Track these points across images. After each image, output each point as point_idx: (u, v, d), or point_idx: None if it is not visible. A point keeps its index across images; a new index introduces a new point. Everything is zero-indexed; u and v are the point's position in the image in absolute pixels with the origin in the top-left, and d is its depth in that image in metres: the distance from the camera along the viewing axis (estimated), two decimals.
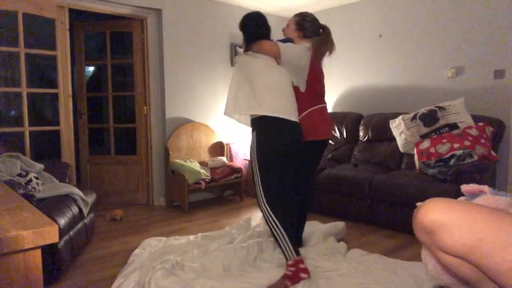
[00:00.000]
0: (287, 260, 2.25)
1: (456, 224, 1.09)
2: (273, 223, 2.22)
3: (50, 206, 2.54)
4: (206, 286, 2.25)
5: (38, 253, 0.95)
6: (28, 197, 2.49)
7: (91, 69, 5.79)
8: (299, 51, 2.48)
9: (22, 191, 2.47)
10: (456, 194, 2.88)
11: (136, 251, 2.86)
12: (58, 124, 3.82)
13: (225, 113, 2.52)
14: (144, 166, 4.46)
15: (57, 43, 3.72)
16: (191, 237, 3.15)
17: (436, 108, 3.67)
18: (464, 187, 1.36)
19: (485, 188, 1.32)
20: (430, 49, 4.14)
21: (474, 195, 1.32)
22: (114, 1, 3.90)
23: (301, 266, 2.22)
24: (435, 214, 1.12)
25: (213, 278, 2.35)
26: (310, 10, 5.21)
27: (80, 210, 2.86)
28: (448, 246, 1.10)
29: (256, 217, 3.92)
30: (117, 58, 4.81)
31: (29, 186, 2.71)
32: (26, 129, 3.62)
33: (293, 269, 2.20)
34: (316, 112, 2.52)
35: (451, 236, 1.09)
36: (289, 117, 2.33)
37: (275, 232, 2.23)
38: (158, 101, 4.39)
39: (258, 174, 2.31)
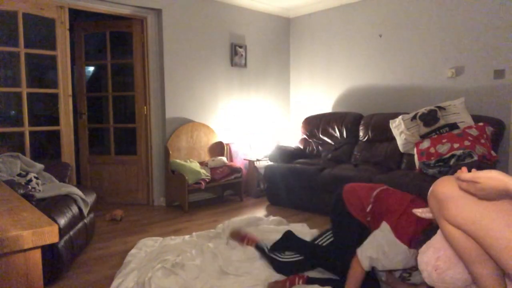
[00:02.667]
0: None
1: (462, 197, 1.17)
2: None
3: (50, 206, 2.53)
4: (206, 286, 2.25)
5: (38, 253, 0.95)
6: (28, 197, 2.49)
7: (91, 69, 5.78)
8: None
9: (22, 191, 2.46)
10: None
11: (132, 251, 2.85)
12: (58, 124, 3.82)
13: None
14: (144, 166, 4.46)
15: (57, 43, 3.72)
16: (187, 237, 3.16)
17: (436, 108, 3.66)
18: None
19: None
20: (430, 49, 4.14)
21: None
22: (114, 1, 3.90)
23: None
24: (447, 187, 1.22)
25: (213, 277, 2.36)
26: (310, 10, 5.22)
27: (80, 210, 2.85)
28: (452, 214, 1.18)
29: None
30: (117, 58, 4.80)
31: (29, 186, 2.71)
32: (26, 129, 3.62)
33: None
34: None
35: (456, 206, 1.18)
36: None
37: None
38: (158, 101, 4.39)
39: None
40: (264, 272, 2.43)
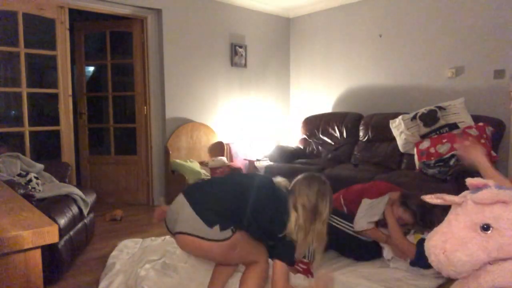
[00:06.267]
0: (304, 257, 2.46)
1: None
2: None
3: (50, 206, 2.54)
4: (202, 286, 2.25)
5: (38, 253, 0.95)
6: (28, 197, 2.48)
7: (91, 69, 5.78)
8: None
9: (22, 191, 2.46)
10: (455, 194, 2.87)
11: (114, 253, 2.82)
12: (58, 124, 3.82)
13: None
14: (144, 166, 4.46)
15: (57, 43, 3.72)
16: (167, 237, 3.13)
17: (436, 108, 3.66)
18: (469, 181, 1.39)
19: (490, 182, 1.35)
20: (430, 49, 4.14)
21: (478, 188, 1.34)
22: (114, 1, 3.90)
23: (311, 269, 2.48)
24: None
25: (207, 277, 2.34)
26: (310, 10, 5.22)
27: (80, 210, 2.85)
28: None
29: None
30: (117, 58, 4.81)
31: (29, 186, 2.71)
32: (26, 129, 3.61)
33: (304, 267, 2.43)
34: None
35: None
36: None
37: None
38: (158, 101, 4.39)
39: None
40: None
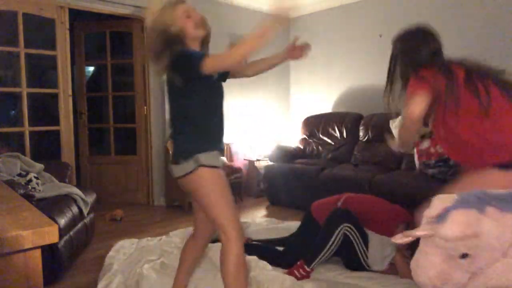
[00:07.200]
0: (307, 264, 2.38)
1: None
2: (335, 240, 2.38)
3: (50, 206, 2.54)
4: (201, 285, 2.25)
5: (38, 253, 0.95)
6: (28, 197, 2.48)
7: (91, 69, 5.78)
8: None
9: (22, 191, 2.46)
10: None
11: (111, 253, 2.80)
12: (58, 124, 3.82)
13: None
14: (144, 166, 4.46)
15: (57, 43, 3.72)
16: (164, 237, 3.14)
17: None
18: (426, 214, 1.39)
19: (447, 202, 1.35)
20: None
21: (440, 215, 1.32)
22: (114, 1, 3.90)
23: (310, 276, 2.42)
24: None
25: (207, 277, 2.34)
26: (310, 10, 5.22)
27: (80, 210, 2.85)
28: None
29: (256, 217, 3.92)
30: (117, 58, 4.80)
31: (29, 186, 2.71)
32: (26, 129, 3.62)
33: (304, 274, 2.37)
34: None
35: None
36: None
37: (329, 245, 2.38)
38: (158, 101, 4.39)
39: None
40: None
